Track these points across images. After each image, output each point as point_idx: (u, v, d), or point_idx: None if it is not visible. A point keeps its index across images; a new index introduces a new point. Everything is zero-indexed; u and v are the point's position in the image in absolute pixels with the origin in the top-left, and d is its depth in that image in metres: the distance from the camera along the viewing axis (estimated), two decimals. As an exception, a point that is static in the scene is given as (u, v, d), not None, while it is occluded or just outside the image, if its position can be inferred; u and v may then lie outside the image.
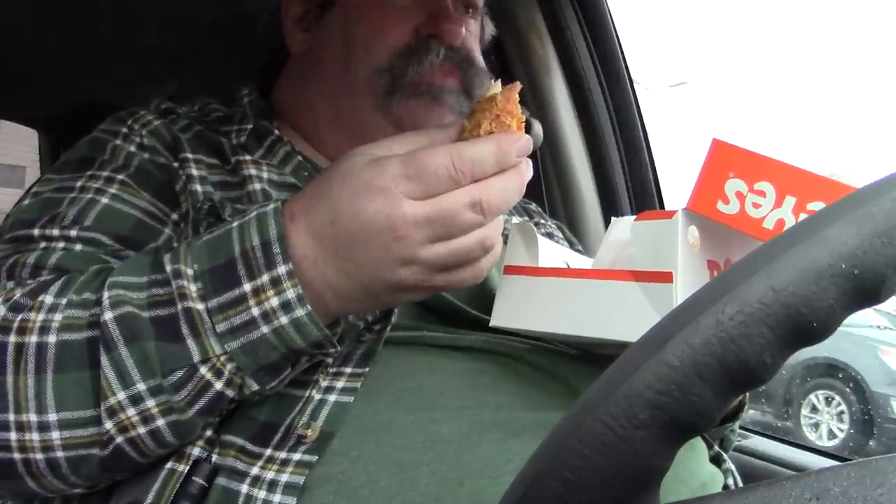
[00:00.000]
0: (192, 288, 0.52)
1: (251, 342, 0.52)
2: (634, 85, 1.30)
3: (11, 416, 0.52)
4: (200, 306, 0.52)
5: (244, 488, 0.53)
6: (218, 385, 0.53)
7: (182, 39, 1.36)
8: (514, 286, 0.60)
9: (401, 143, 0.54)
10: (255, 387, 0.54)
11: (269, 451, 0.55)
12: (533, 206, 1.01)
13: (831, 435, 4.52)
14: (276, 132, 0.78)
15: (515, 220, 0.91)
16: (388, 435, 0.55)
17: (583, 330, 0.55)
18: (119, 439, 0.52)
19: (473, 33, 0.82)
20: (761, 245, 0.30)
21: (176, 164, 0.70)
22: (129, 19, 1.31)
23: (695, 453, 0.62)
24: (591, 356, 0.63)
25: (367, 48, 0.76)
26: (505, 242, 0.63)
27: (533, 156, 1.35)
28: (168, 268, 0.54)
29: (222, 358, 0.52)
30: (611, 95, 1.27)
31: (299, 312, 0.52)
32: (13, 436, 0.52)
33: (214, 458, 0.55)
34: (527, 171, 0.55)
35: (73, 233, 0.63)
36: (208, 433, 0.57)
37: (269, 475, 0.53)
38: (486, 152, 0.52)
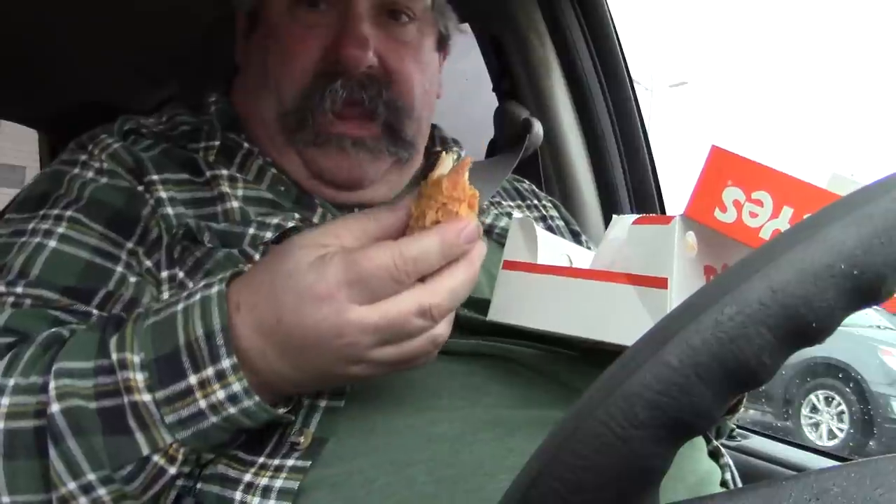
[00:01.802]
0: (139, 378, 0.52)
1: (201, 430, 0.52)
2: (634, 85, 1.30)
3: None
4: (147, 398, 0.51)
5: (237, 495, 0.53)
6: (172, 470, 0.53)
7: (182, 39, 1.36)
8: (512, 281, 0.60)
9: (348, 230, 0.52)
10: (212, 456, 0.55)
11: (261, 459, 0.55)
12: (525, 185, 0.99)
13: (831, 435, 4.53)
14: (246, 145, 0.76)
15: (517, 213, 0.91)
16: (383, 436, 0.55)
17: (577, 330, 0.55)
18: None
19: (400, 43, 0.76)
20: (761, 246, 0.30)
21: (141, 188, 0.68)
22: (129, 19, 1.31)
23: (692, 449, 0.62)
24: (586, 357, 0.63)
25: (278, 84, 0.74)
26: (503, 237, 0.63)
27: (533, 156, 1.35)
28: (114, 356, 0.53)
29: (174, 445, 0.52)
30: (611, 95, 1.27)
31: (247, 403, 0.52)
32: None
33: (207, 468, 0.55)
34: (479, 256, 0.53)
35: (20, 290, 0.61)
36: None
37: (263, 481, 0.53)
38: (430, 247, 0.50)
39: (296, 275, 0.50)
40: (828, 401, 4.61)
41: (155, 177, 0.69)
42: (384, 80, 0.74)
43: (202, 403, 0.51)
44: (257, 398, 0.52)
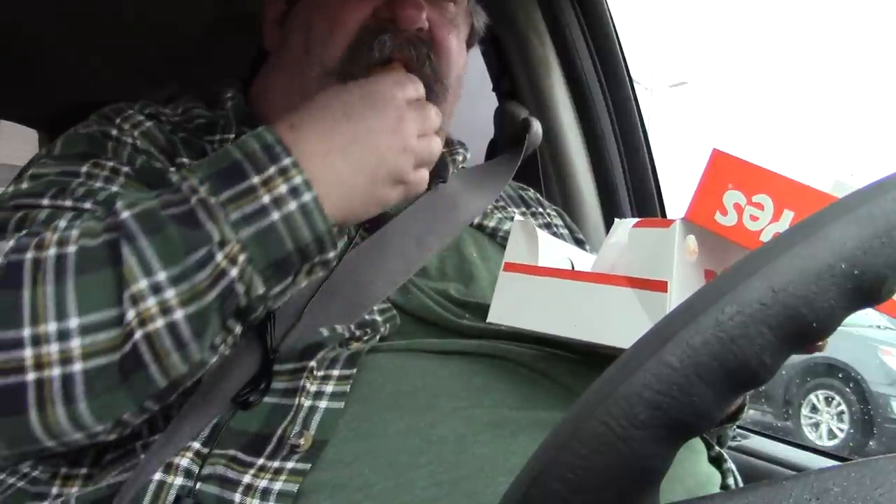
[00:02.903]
0: (203, 187, 0.55)
1: (262, 230, 0.54)
2: (634, 85, 1.30)
3: (26, 331, 0.51)
4: (213, 200, 0.54)
5: (237, 497, 0.52)
6: (233, 272, 0.54)
7: (182, 39, 1.36)
8: (512, 284, 0.60)
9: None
10: (261, 289, 0.55)
11: (261, 461, 0.54)
12: (530, 193, 0.99)
13: (831, 435, 4.53)
14: None
15: (518, 216, 0.91)
16: (383, 439, 0.55)
17: (577, 333, 0.55)
18: (138, 334, 0.52)
19: (447, 20, 0.80)
20: (761, 246, 0.30)
21: (173, 170, 0.69)
22: (129, 19, 1.31)
23: (691, 452, 0.61)
24: (588, 359, 0.63)
25: (324, 44, 0.75)
26: (507, 240, 0.63)
27: (533, 156, 1.35)
28: (174, 178, 0.56)
29: (236, 246, 0.54)
30: (611, 95, 1.27)
31: (307, 197, 0.56)
32: (28, 353, 0.51)
33: (205, 469, 0.55)
34: None
35: (88, 205, 0.62)
36: (197, 445, 0.56)
37: (262, 483, 0.52)
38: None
39: (352, 84, 0.64)
40: (828, 401, 4.61)
41: (185, 159, 0.71)
42: (431, 46, 0.76)
43: (265, 199, 0.55)
44: (315, 192, 0.56)
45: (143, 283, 0.52)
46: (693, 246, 0.52)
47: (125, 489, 0.55)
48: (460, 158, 0.88)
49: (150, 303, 0.52)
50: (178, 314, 0.52)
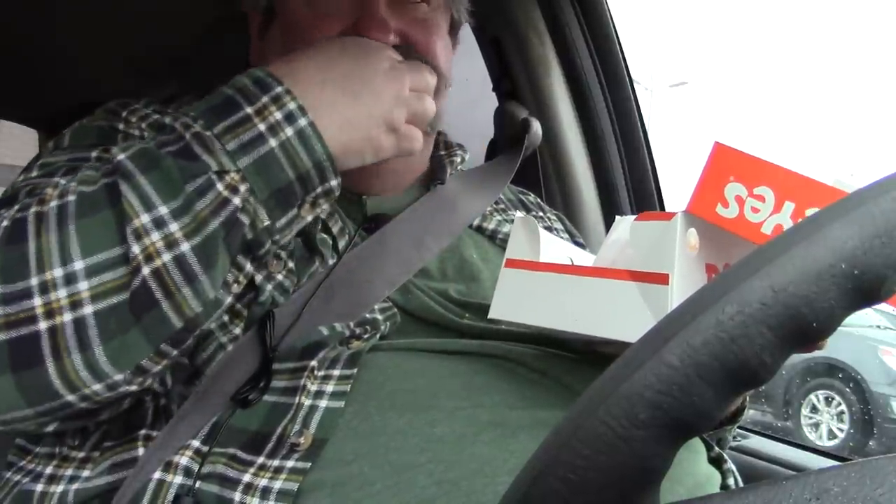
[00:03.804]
0: (197, 124, 0.56)
1: (261, 158, 0.55)
2: (634, 85, 1.30)
3: (34, 280, 0.51)
4: (207, 133, 0.55)
5: (237, 496, 0.52)
6: (236, 200, 0.54)
7: (181, 39, 1.36)
8: (513, 280, 0.60)
9: None
10: (267, 221, 0.56)
11: (261, 459, 0.54)
12: (531, 198, 0.99)
13: (831, 435, 4.53)
14: None
15: (518, 214, 0.91)
16: (383, 438, 0.55)
17: (579, 327, 0.55)
18: (146, 270, 0.52)
19: (421, 23, 0.77)
20: (761, 245, 0.30)
21: (169, 114, 0.70)
22: (128, 19, 1.31)
23: (691, 453, 0.61)
24: (588, 358, 0.63)
25: None
26: (505, 240, 0.64)
27: (532, 155, 1.35)
28: (167, 120, 0.58)
29: (236, 176, 0.55)
30: (611, 95, 1.27)
31: (303, 122, 0.57)
32: (37, 301, 0.51)
33: (205, 467, 0.54)
34: None
35: None
36: (197, 444, 0.56)
37: (262, 482, 0.52)
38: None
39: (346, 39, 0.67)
40: (828, 401, 4.60)
41: None
42: (412, 49, 0.75)
43: (261, 126, 0.56)
44: (311, 117, 0.57)
45: (144, 218, 0.52)
46: (694, 241, 0.52)
47: (125, 487, 0.55)
48: (458, 160, 0.88)
49: (155, 237, 0.52)
50: (184, 246, 0.53)
